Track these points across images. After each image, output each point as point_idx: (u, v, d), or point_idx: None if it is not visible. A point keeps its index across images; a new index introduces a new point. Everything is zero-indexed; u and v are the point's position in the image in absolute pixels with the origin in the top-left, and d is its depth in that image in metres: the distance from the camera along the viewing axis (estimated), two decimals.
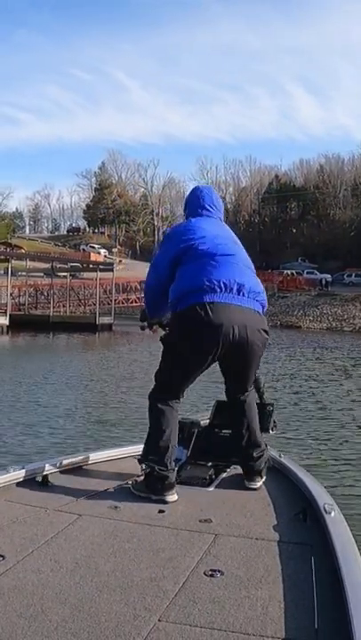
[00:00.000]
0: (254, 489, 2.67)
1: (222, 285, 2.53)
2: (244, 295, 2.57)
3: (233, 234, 2.82)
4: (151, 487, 2.57)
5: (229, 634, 1.53)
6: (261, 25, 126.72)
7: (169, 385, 2.68)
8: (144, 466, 2.65)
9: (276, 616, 1.62)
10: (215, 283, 2.53)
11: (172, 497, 2.55)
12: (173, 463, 2.64)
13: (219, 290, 2.53)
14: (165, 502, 2.52)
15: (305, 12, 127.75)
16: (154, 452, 2.62)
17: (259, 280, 2.73)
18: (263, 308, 2.68)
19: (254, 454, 2.70)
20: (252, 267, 2.77)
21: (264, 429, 2.96)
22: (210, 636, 1.52)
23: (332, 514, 2.15)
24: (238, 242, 2.78)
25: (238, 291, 2.56)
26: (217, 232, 2.70)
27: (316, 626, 1.57)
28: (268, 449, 2.96)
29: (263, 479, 2.73)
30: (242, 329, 2.54)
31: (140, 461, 2.70)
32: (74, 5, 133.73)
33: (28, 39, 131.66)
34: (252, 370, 2.75)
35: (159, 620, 1.59)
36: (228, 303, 2.54)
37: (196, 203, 2.82)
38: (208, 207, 2.80)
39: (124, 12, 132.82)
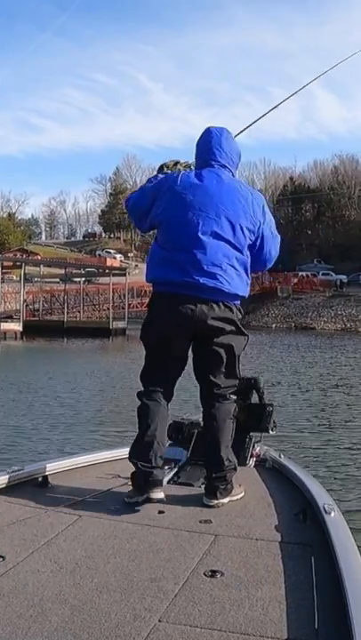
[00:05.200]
0: (210, 506, 2.49)
1: (181, 282, 2.54)
2: (202, 290, 2.54)
3: (227, 186, 2.60)
4: (136, 484, 2.50)
5: (229, 634, 1.53)
6: (281, 24, 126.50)
7: (147, 373, 2.68)
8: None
9: (277, 616, 1.61)
10: (174, 279, 2.56)
11: (157, 494, 2.46)
12: (160, 460, 2.55)
13: (178, 285, 2.55)
14: (150, 500, 2.44)
15: (325, 11, 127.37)
16: (138, 447, 2.56)
17: (227, 256, 2.57)
18: (229, 293, 2.58)
19: (213, 473, 2.56)
20: (229, 230, 2.58)
21: (263, 429, 2.94)
22: (210, 637, 1.52)
23: (332, 514, 2.14)
24: (225, 200, 2.58)
25: (196, 287, 2.53)
26: (196, 202, 2.57)
27: (316, 626, 1.57)
28: (266, 450, 2.94)
29: (225, 499, 2.53)
30: (198, 320, 2.54)
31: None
32: (95, 8, 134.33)
33: (50, 44, 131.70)
34: (216, 364, 2.62)
35: (159, 621, 1.59)
36: (186, 295, 2.54)
37: (199, 150, 2.74)
38: (212, 158, 2.67)
39: (144, 13, 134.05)
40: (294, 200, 75.06)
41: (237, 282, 2.60)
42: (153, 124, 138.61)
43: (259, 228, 2.65)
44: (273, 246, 2.74)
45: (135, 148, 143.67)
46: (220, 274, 2.54)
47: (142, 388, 2.67)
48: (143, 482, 2.47)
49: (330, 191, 71.39)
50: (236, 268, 2.60)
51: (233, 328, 2.62)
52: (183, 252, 2.55)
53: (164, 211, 2.63)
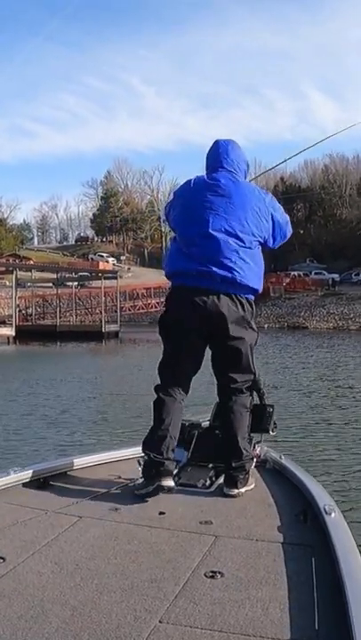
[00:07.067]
0: (232, 496, 2.62)
1: (196, 272, 2.68)
2: (215, 280, 2.66)
3: (235, 186, 2.77)
4: (146, 474, 2.58)
5: (230, 635, 1.53)
6: (279, 25, 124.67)
7: (163, 367, 2.79)
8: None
9: (277, 617, 1.62)
10: (189, 269, 2.70)
11: (168, 482, 2.56)
12: (172, 453, 2.65)
13: (193, 275, 2.69)
14: (162, 488, 2.53)
15: (324, 11, 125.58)
16: (151, 439, 2.67)
17: (238, 250, 2.69)
18: (241, 284, 2.69)
19: (233, 463, 2.67)
20: (238, 227, 2.71)
21: (264, 430, 2.95)
22: (210, 637, 1.53)
23: (333, 515, 2.13)
24: (231, 200, 2.72)
25: (210, 276, 2.66)
26: (207, 201, 2.73)
27: (316, 627, 1.57)
28: (267, 451, 2.94)
29: (243, 489, 2.66)
30: (214, 312, 2.65)
31: (140, 463, 2.70)
32: (89, 12, 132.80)
33: (43, 49, 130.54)
34: (229, 359, 2.73)
35: (160, 622, 1.59)
36: (201, 287, 2.66)
37: (208, 160, 2.92)
38: (218, 165, 2.84)
39: (139, 15, 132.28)
40: (286, 200, 74.72)
41: (249, 274, 2.71)
42: (147, 127, 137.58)
43: (271, 218, 2.83)
44: (286, 227, 2.95)
45: (129, 152, 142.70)
46: (232, 265, 2.67)
47: (159, 382, 2.79)
48: (154, 471, 2.57)
49: (321, 190, 71.58)
50: (247, 262, 2.71)
51: (244, 323, 2.71)
52: (196, 247, 2.70)
53: (178, 213, 2.86)
